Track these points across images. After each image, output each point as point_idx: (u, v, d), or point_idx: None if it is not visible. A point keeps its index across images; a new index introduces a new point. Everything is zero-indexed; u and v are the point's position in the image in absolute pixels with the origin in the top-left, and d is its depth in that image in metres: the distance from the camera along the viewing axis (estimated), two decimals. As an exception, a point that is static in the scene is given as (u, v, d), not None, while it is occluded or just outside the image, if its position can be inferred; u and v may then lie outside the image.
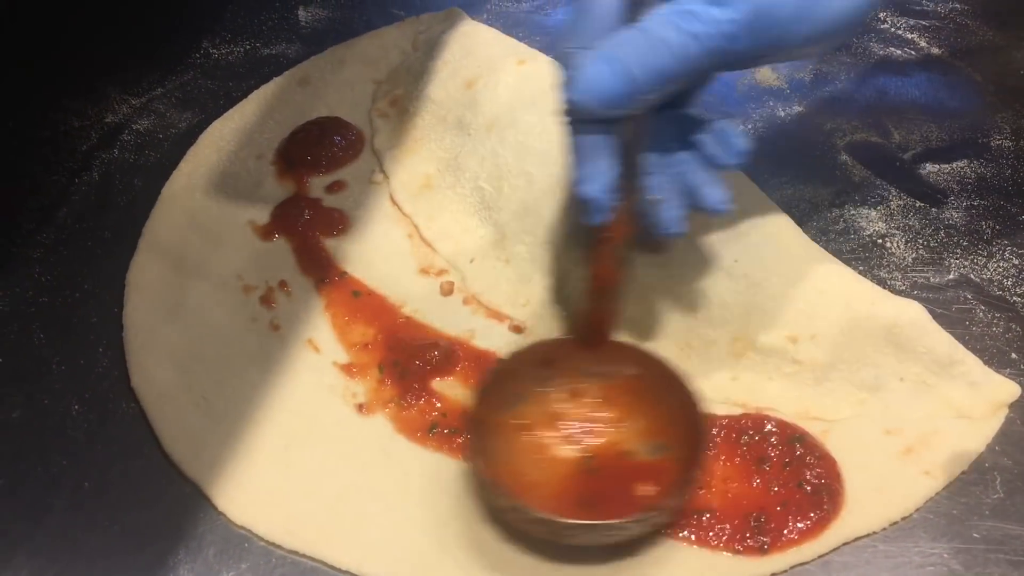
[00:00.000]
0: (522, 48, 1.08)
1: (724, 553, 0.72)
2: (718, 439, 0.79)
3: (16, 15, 1.06)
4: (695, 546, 0.72)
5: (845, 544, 0.73)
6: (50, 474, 0.77)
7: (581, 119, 0.67)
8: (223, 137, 1.07)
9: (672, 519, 0.72)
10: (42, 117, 1.08)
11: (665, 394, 0.75)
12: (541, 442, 0.75)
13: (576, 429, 0.76)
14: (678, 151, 0.73)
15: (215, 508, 0.74)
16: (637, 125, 0.69)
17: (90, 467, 0.78)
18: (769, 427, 0.79)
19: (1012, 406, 0.81)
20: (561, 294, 0.87)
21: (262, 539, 0.73)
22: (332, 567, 0.71)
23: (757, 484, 0.75)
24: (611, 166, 0.68)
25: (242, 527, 0.73)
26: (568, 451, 0.74)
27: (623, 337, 0.83)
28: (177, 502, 0.75)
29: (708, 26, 0.62)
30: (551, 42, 1.19)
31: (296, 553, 0.72)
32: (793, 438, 0.78)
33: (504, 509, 0.71)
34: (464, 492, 0.75)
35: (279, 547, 0.72)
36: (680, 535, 0.73)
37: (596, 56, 0.64)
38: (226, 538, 0.73)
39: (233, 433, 0.79)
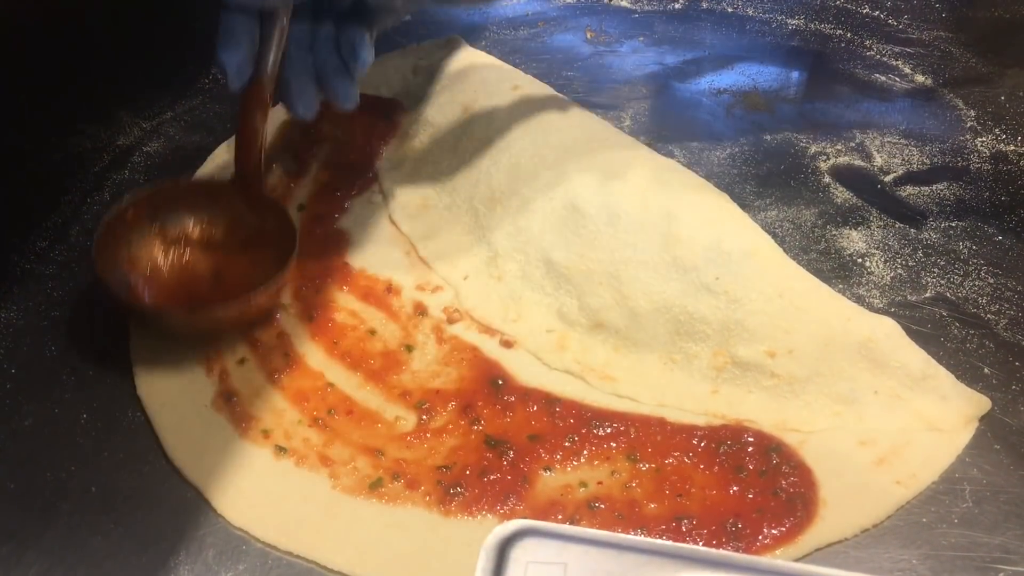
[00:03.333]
0: (517, 74, 1.12)
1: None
2: (699, 448, 0.82)
3: (34, 43, 1.10)
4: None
5: (818, 550, 0.75)
6: (59, 479, 0.80)
7: (229, 5, 0.83)
8: (230, 159, 1.11)
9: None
10: (57, 140, 1.13)
11: (282, 245, 0.91)
12: (181, 252, 0.93)
13: (216, 254, 0.94)
14: (326, 54, 0.90)
15: (214, 511, 0.77)
16: (278, 19, 0.85)
17: (97, 473, 0.81)
18: (747, 437, 0.82)
19: (983, 419, 0.84)
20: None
21: (259, 541, 0.76)
22: (326, 568, 0.74)
23: (734, 492, 0.78)
24: (247, 44, 0.84)
25: (240, 529, 0.76)
26: (202, 263, 0.93)
27: (608, 344, 0.90)
28: (178, 506, 0.78)
29: None
30: (546, 68, 1.24)
31: (291, 554, 0.75)
32: (770, 448, 0.81)
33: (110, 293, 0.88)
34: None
35: (275, 548, 0.75)
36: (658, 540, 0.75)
37: None
38: (225, 540, 0.76)
39: (233, 439, 0.82)
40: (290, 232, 0.91)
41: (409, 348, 0.90)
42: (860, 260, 0.99)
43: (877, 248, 1.00)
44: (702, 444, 0.82)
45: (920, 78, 1.25)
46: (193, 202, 0.95)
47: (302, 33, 0.90)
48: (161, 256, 0.92)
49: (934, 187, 1.08)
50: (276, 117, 1.15)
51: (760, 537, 0.75)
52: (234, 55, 0.84)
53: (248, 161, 0.92)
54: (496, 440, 0.82)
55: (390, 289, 0.96)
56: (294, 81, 0.90)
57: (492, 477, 0.79)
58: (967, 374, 0.87)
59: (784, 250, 0.90)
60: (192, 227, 0.94)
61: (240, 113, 0.90)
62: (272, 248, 0.91)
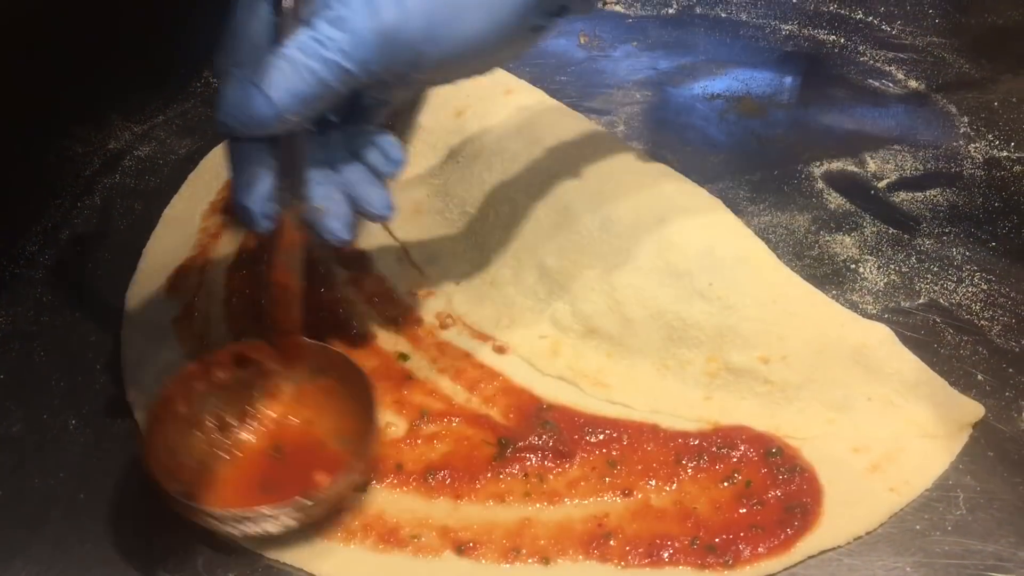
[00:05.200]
0: (510, 79, 1.11)
1: (687, 568, 0.74)
2: (693, 454, 0.81)
3: (24, 44, 1.09)
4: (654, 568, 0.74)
5: (811, 557, 0.75)
6: (48, 486, 0.80)
7: (232, 136, 0.70)
8: (222, 163, 1.10)
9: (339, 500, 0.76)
10: (47, 143, 1.12)
11: (350, 394, 0.79)
12: (228, 435, 0.79)
13: (266, 425, 0.80)
14: (347, 163, 0.77)
15: (202, 517, 0.77)
16: (295, 140, 0.72)
17: (86, 480, 0.80)
18: (742, 442, 0.81)
19: (976, 426, 0.83)
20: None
21: (247, 548, 0.75)
22: (313, 575, 0.74)
23: (728, 498, 0.78)
24: (266, 177, 0.71)
25: (226, 534, 0.76)
26: (256, 442, 0.79)
27: (602, 350, 0.89)
28: (168, 514, 0.78)
29: (335, 53, 0.65)
30: (540, 73, 1.23)
31: (279, 562, 0.74)
32: (769, 452, 0.81)
33: (172, 500, 0.71)
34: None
35: (263, 556, 0.75)
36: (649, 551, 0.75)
37: (238, 81, 0.67)
38: (214, 548, 0.75)
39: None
40: (357, 379, 0.79)
41: (403, 356, 0.90)
42: (853, 266, 0.99)
43: (870, 254, 1.00)
44: (695, 450, 0.81)
45: (913, 84, 1.25)
46: (230, 376, 0.80)
47: (315, 150, 0.76)
48: (212, 449, 0.78)
49: (927, 193, 1.08)
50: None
51: (753, 547, 0.75)
52: (255, 193, 0.71)
53: (288, 313, 0.79)
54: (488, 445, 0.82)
55: (382, 294, 0.95)
56: (326, 203, 0.76)
57: (481, 484, 0.79)
58: (960, 381, 0.87)
59: (777, 256, 0.90)
60: (236, 406, 0.80)
61: (270, 257, 0.76)
62: (337, 402, 0.80)
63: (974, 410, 0.84)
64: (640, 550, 0.74)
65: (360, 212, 0.78)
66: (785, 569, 0.74)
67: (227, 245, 1.00)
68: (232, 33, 0.69)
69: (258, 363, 0.81)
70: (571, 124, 1.03)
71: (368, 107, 0.78)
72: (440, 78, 0.74)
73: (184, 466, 0.75)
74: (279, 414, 0.81)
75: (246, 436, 0.80)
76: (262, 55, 0.66)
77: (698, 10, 1.41)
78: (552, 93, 1.10)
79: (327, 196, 0.76)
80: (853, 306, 0.93)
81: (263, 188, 0.72)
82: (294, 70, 0.65)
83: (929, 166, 1.12)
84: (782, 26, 1.37)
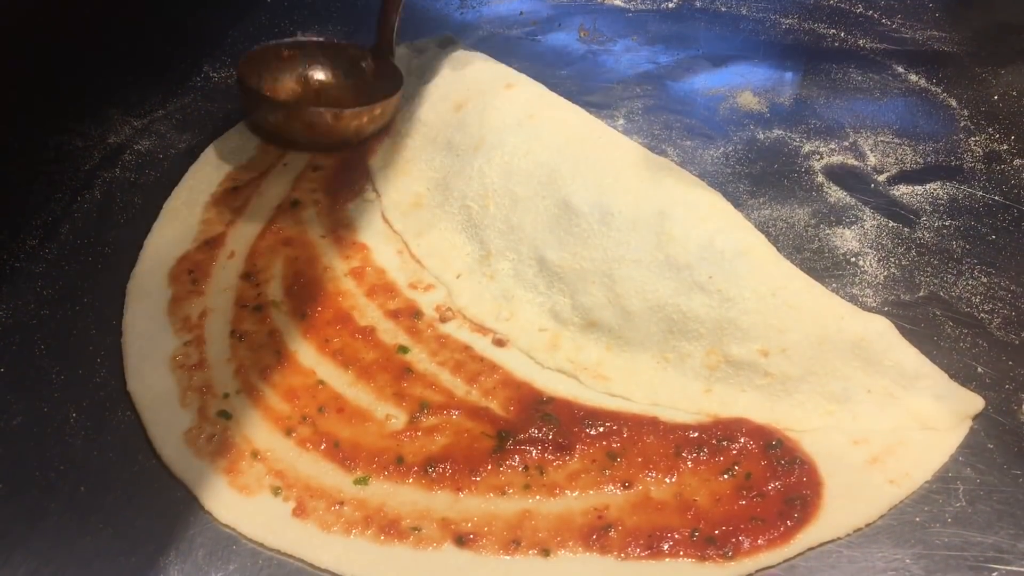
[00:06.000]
0: (510, 73, 1.11)
1: (687, 560, 0.74)
2: (694, 448, 0.81)
3: (24, 40, 1.09)
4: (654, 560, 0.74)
5: (811, 549, 0.75)
6: (48, 479, 0.80)
7: None
8: (223, 156, 1.10)
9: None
10: (47, 137, 1.12)
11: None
12: (311, 91, 1.17)
13: (337, 98, 1.16)
14: None
15: (202, 507, 0.77)
16: None
17: (86, 473, 0.80)
18: (741, 435, 0.81)
19: (976, 418, 0.83)
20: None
21: (248, 539, 0.75)
22: (314, 566, 0.74)
23: (728, 490, 0.78)
24: None
25: (227, 526, 0.76)
26: (323, 101, 1.15)
27: (601, 343, 0.89)
28: (169, 507, 0.78)
29: None
30: (540, 67, 1.23)
31: (281, 553, 0.75)
32: (769, 444, 0.81)
33: (260, 106, 1.11)
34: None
35: (264, 547, 0.75)
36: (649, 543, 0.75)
37: None
38: (215, 540, 0.76)
39: (223, 436, 0.82)
40: (398, 84, 1.11)
41: (403, 349, 0.90)
42: (854, 259, 0.99)
43: (871, 247, 1.00)
44: (695, 441, 0.81)
45: (913, 78, 1.25)
46: (334, 57, 1.17)
47: None
48: (293, 87, 1.16)
49: (927, 186, 1.08)
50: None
51: (752, 538, 0.75)
52: None
53: (387, 29, 1.14)
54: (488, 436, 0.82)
55: (382, 287, 0.95)
56: None
57: (481, 476, 0.79)
58: (960, 373, 0.87)
59: (778, 249, 0.90)
60: (325, 75, 1.17)
61: None
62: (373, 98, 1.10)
63: (974, 402, 0.84)
64: (640, 542, 0.75)
65: None
66: (785, 561, 0.74)
67: (229, 237, 1.00)
68: None
69: (358, 61, 1.17)
70: (571, 118, 1.03)
71: None
72: None
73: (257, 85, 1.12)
74: (344, 100, 1.14)
75: (304, 87, 1.17)
76: None
77: (698, 4, 1.41)
78: (552, 87, 1.09)
79: None
80: (853, 299, 0.93)
81: None
82: None
83: (929, 160, 1.12)
84: (782, 20, 1.37)
